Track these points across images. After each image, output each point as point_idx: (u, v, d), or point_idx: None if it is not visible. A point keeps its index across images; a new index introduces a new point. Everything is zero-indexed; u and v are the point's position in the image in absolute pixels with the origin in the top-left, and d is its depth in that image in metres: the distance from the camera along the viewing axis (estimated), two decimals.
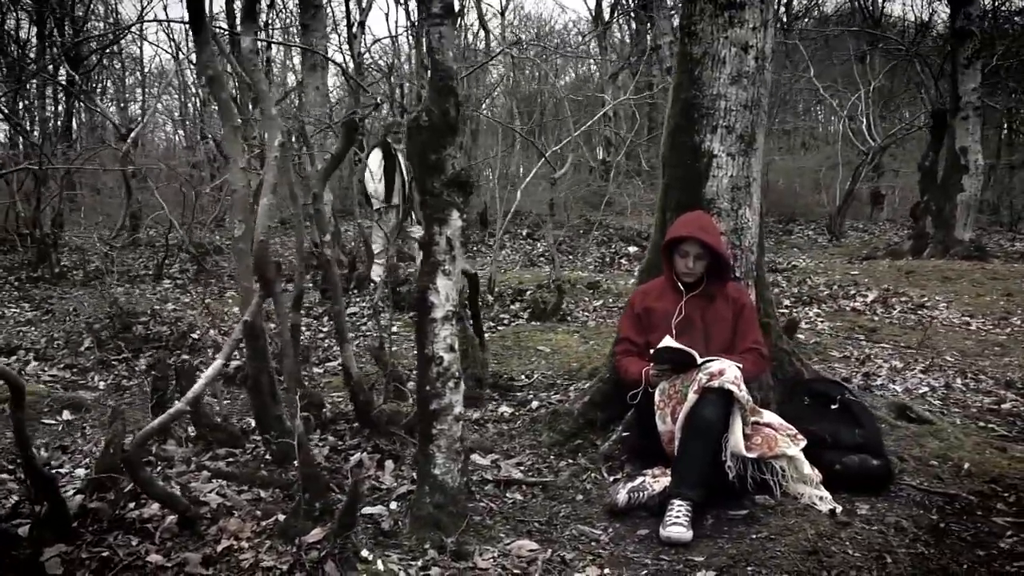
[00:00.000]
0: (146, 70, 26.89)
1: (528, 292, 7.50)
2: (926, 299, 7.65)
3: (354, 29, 22.22)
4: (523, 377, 4.85)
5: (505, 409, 4.21)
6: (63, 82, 11.50)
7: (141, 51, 24.56)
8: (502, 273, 9.53)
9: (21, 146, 9.94)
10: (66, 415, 4.29)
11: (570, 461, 3.51)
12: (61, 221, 9.14)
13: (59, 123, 19.68)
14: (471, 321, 4.47)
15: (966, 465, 3.35)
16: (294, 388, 2.84)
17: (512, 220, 14.71)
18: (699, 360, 3.18)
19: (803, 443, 3.20)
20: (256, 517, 2.82)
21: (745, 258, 3.76)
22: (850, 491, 3.18)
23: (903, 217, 14.64)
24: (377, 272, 8.47)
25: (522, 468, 3.47)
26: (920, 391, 4.66)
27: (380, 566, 2.48)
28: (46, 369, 5.04)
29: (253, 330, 3.30)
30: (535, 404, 4.23)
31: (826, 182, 15.15)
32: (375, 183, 8.34)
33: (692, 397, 3.08)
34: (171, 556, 2.56)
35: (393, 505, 2.98)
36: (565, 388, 4.58)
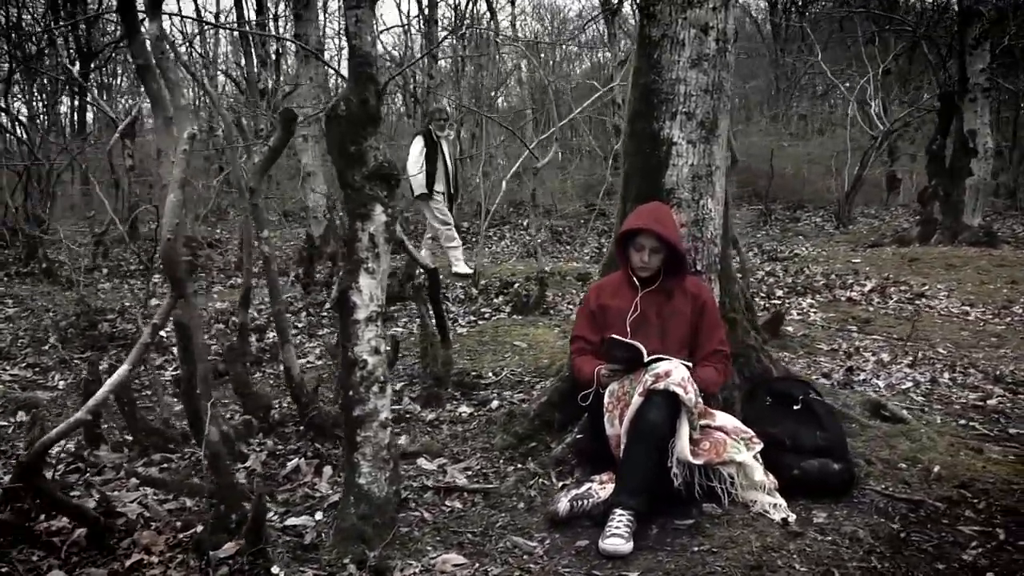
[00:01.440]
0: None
1: (516, 285, 7.33)
2: (927, 288, 7.41)
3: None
4: (491, 375, 4.70)
5: (465, 409, 4.06)
6: (60, 77, 11.42)
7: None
8: (496, 265, 9.39)
9: (16, 140, 9.88)
10: (20, 416, 4.18)
11: (519, 466, 3.35)
12: (46, 217, 9.06)
13: (74, 117, 19.69)
14: (433, 318, 4.32)
15: (936, 468, 3.16)
16: (207, 393, 2.69)
17: (515, 211, 14.60)
18: (646, 357, 3.01)
19: (758, 447, 3.02)
20: (175, 529, 2.70)
21: (707, 251, 3.57)
22: (809, 497, 3.01)
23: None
24: (456, 256, 8.45)
25: (469, 473, 3.32)
26: (903, 386, 4.46)
27: None
28: (7, 368, 4.94)
29: (184, 332, 3.18)
30: (495, 404, 4.08)
31: (838, 167, 14.82)
32: (415, 171, 8.28)
33: (637, 400, 2.91)
34: (75, 572, 2.44)
35: (319, 516, 2.84)
36: (532, 386, 4.42)
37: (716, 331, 3.33)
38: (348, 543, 2.61)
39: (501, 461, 3.42)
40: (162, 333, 5.45)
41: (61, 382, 4.76)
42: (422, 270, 4.20)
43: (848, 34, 16.21)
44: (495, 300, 6.76)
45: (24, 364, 5.00)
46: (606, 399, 3.10)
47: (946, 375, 4.64)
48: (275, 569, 2.42)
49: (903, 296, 7.01)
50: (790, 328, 5.84)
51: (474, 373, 4.71)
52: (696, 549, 2.63)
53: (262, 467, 3.24)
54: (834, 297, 7.01)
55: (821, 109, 19.46)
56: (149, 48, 2.92)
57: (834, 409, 3.40)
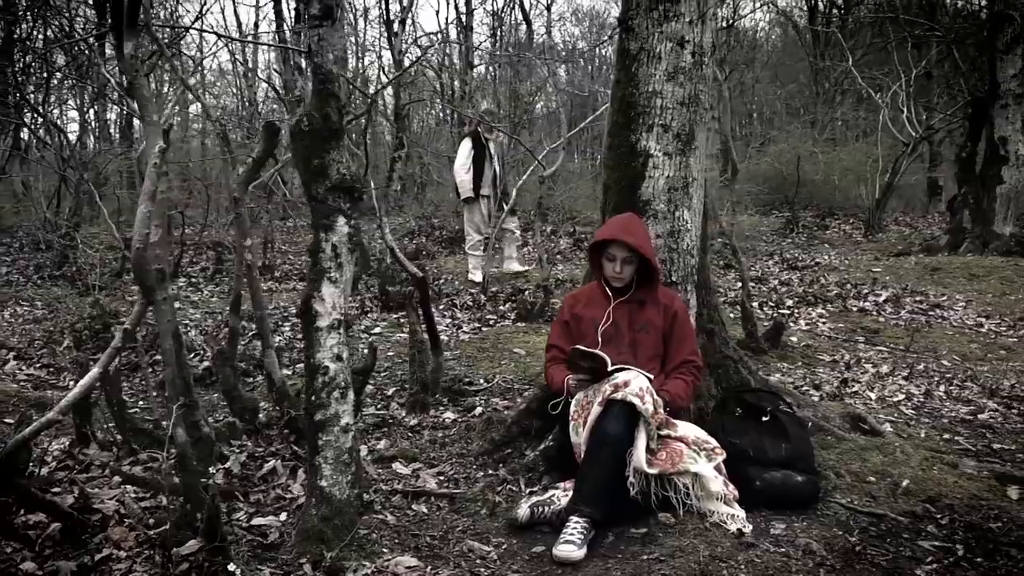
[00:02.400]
0: (205, 71, 27.59)
1: (526, 292, 7.39)
2: (945, 298, 7.31)
3: (395, 27, 22.46)
4: (483, 381, 4.76)
5: (450, 415, 4.13)
6: (96, 85, 11.73)
7: (200, 52, 25.05)
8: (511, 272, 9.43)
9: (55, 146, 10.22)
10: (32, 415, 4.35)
11: (490, 472, 3.42)
12: (78, 221, 9.36)
13: (122, 124, 20.19)
14: (424, 325, 4.40)
15: (905, 482, 3.15)
16: (175, 396, 2.80)
17: (542, 217, 14.64)
18: (610, 367, 3.06)
19: (720, 458, 3.05)
20: (147, 526, 2.81)
21: (683, 261, 3.60)
22: (771, 508, 3.04)
23: None
24: (475, 264, 8.51)
25: (442, 478, 3.39)
26: (895, 399, 4.43)
27: None
28: (23, 368, 5.14)
29: (175, 336, 3.30)
30: (479, 410, 4.14)
31: (870, 175, 14.59)
32: (463, 174, 8.36)
33: (596, 409, 2.96)
34: (44, 565, 2.56)
35: (284, 516, 2.93)
36: (520, 393, 4.48)
37: (687, 342, 3.36)
38: (308, 543, 2.70)
39: (475, 467, 3.48)
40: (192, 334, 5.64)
41: (71, 382, 4.94)
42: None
43: (881, 40, 15.96)
44: (501, 307, 6.83)
45: (39, 364, 5.19)
46: (572, 408, 3.15)
47: (942, 388, 4.60)
48: (232, 567, 2.51)
49: (917, 307, 6.92)
50: (794, 338, 5.81)
51: (467, 379, 4.79)
52: (645, 557, 2.67)
53: (241, 468, 3.34)
54: (845, 307, 6.95)
55: (856, 116, 19.15)
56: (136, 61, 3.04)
57: (803, 421, 3.40)
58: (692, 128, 3.58)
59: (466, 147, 8.42)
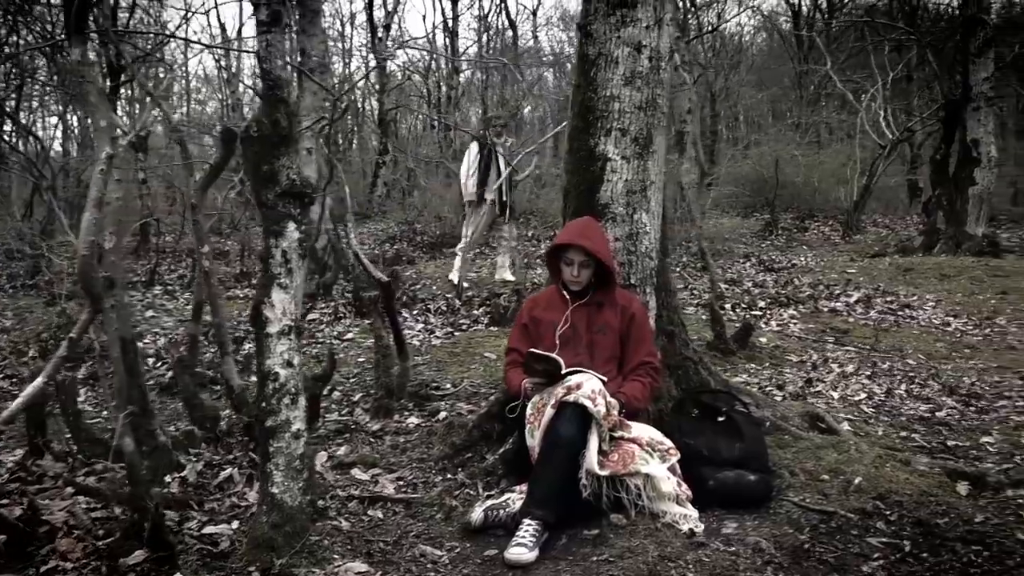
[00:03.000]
0: (190, 76, 27.53)
1: (502, 296, 7.40)
2: (915, 298, 7.38)
3: (379, 32, 22.45)
4: (450, 386, 4.77)
5: (414, 420, 4.13)
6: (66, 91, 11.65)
7: (185, 56, 25.01)
8: (492, 276, 9.45)
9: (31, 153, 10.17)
10: None
11: (449, 476, 3.42)
12: (52, 229, 9.32)
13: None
14: (389, 330, 4.41)
15: (857, 480, 3.17)
16: (122, 404, 2.80)
17: (528, 222, 14.67)
18: (564, 370, 3.07)
19: (675, 458, 3.07)
20: (96, 536, 2.80)
21: (642, 264, 3.62)
22: (725, 507, 3.06)
23: None
24: (505, 274, 8.54)
25: (401, 483, 3.39)
26: (857, 398, 4.47)
27: None
28: None
29: (124, 344, 3.30)
30: (443, 415, 4.14)
31: (848, 177, 14.68)
32: (467, 177, 8.32)
33: (549, 412, 2.98)
34: None
35: (236, 524, 2.93)
36: (486, 397, 4.47)
37: (644, 343, 3.38)
38: (258, 551, 2.69)
39: (434, 471, 3.49)
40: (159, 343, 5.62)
41: None
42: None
43: (859, 44, 16.10)
44: (476, 312, 6.84)
45: (2, 376, 5.17)
46: (528, 411, 3.17)
47: (903, 387, 4.64)
48: (177, 575, 2.51)
49: (887, 307, 6.97)
50: (764, 339, 5.85)
51: (435, 384, 4.79)
52: (595, 559, 2.68)
53: (197, 477, 3.33)
54: (817, 308, 7.00)
55: (838, 119, 19.28)
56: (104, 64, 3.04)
57: (758, 421, 3.43)
58: (650, 132, 3.60)
59: (472, 151, 8.40)
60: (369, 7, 22.57)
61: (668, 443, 3.12)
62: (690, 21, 25.34)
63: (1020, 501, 3.06)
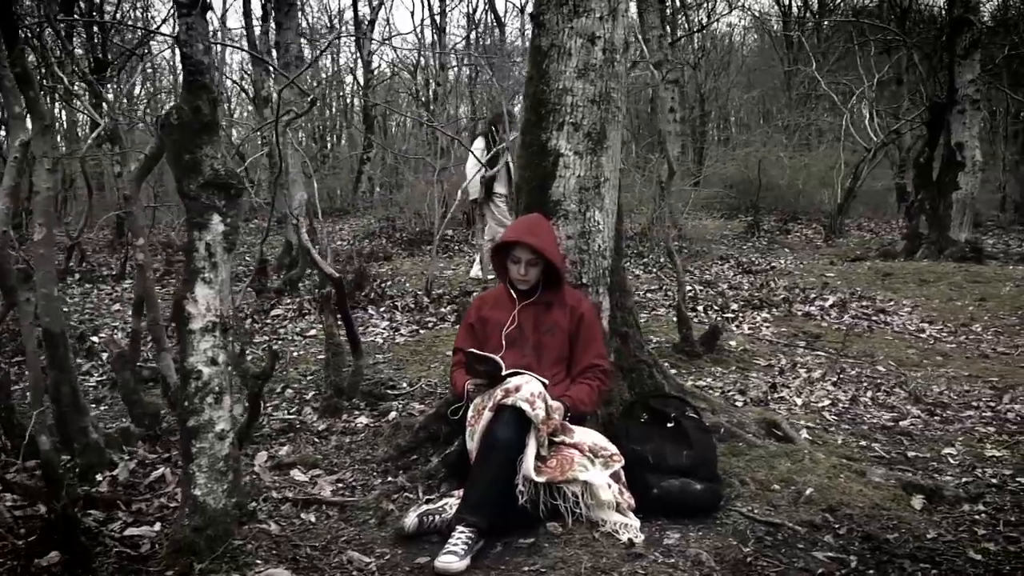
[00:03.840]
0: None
1: (473, 294, 7.29)
2: (892, 303, 7.29)
3: (363, 28, 22.30)
4: (406, 385, 4.66)
5: (363, 420, 4.02)
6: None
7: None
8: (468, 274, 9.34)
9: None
10: None
11: (390, 479, 3.31)
12: (20, 222, 9.16)
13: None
14: (341, 327, 4.29)
15: (808, 491, 3.07)
16: (38, 402, 2.68)
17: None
18: (504, 371, 2.97)
19: (618, 465, 2.96)
20: (19, 535, 2.69)
21: (594, 263, 3.51)
22: (670, 517, 2.95)
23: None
24: (475, 271, 8.39)
25: (340, 485, 3.28)
26: (820, 404, 4.38)
27: None
28: None
29: (53, 338, 3.18)
30: (393, 415, 4.03)
31: (840, 180, 14.62)
32: (473, 174, 8.08)
33: (487, 415, 2.87)
34: None
35: (158, 526, 2.81)
36: (441, 397, 4.37)
37: (593, 345, 3.27)
38: (178, 555, 2.58)
39: (376, 474, 3.38)
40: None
41: None
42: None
43: (845, 45, 16.04)
44: (443, 309, 6.73)
45: None
46: (469, 413, 3.06)
47: (868, 394, 4.54)
48: None
49: (862, 312, 6.88)
50: (733, 342, 5.75)
51: (391, 383, 4.68)
52: (527, 568, 2.57)
53: (129, 475, 3.22)
54: (791, 311, 6.90)
55: (826, 121, 19.22)
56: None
57: (708, 428, 3.32)
58: (604, 127, 3.49)
59: (479, 146, 8.14)
60: (354, 4, 22.48)
61: (612, 449, 3.01)
62: (679, 20, 25.38)
63: (976, 517, 2.97)
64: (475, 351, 3.08)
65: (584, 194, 3.48)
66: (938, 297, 7.53)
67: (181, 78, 2.63)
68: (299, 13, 11.79)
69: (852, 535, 2.80)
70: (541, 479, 2.77)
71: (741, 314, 6.80)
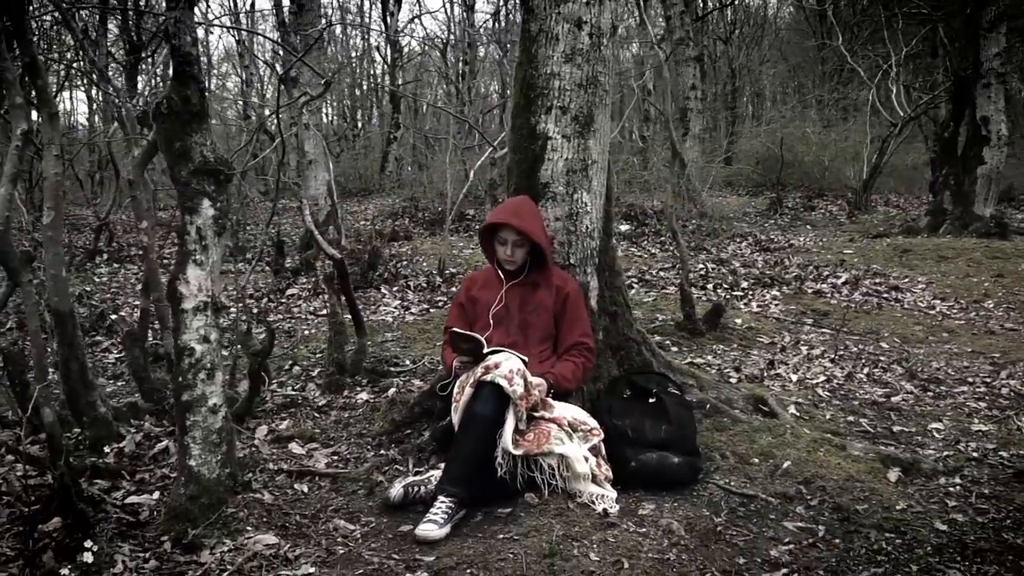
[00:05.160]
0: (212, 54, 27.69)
1: None
2: (906, 280, 7.27)
3: (390, 6, 22.39)
4: (409, 362, 4.79)
5: (364, 396, 4.16)
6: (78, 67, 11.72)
7: (207, 35, 25.22)
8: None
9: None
10: None
11: (383, 452, 3.45)
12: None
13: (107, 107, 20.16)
14: (346, 307, 4.43)
15: (786, 464, 3.15)
16: (42, 376, 2.84)
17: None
18: (485, 348, 3.08)
19: (597, 439, 3.07)
20: (27, 503, 2.86)
21: (582, 244, 3.59)
22: (647, 489, 3.05)
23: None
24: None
25: (336, 458, 3.42)
26: (815, 381, 4.43)
27: (89, 558, 2.48)
28: None
29: (61, 317, 3.35)
30: (392, 391, 4.16)
31: (868, 155, 14.45)
32: None
33: (468, 391, 2.98)
34: None
35: (157, 495, 2.97)
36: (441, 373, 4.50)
37: (579, 323, 3.37)
38: (174, 521, 2.74)
39: (370, 447, 3.52)
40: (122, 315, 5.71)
41: None
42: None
43: (869, 19, 15.77)
44: (455, 288, 6.84)
45: None
46: (455, 389, 3.17)
47: (865, 371, 4.58)
48: (88, 543, 2.55)
49: (873, 289, 6.88)
50: (739, 320, 5.79)
51: (395, 360, 4.82)
52: (503, 536, 2.69)
53: (135, 448, 3.39)
54: (801, 289, 6.92)
55: (856, 96, 18.95)
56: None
57: (688, 403, 3.40)
58: (591, 110, 3.56)
59: None
60: None
61: (592, 423, 3.12)
62: None
63: (951, 489, 3.03)
64: (458, 330, 3.19)
65: (572, 176, 3.55)
66: (955, 273, 7.49)
67: (171, 70, 2.74)
68: None
69: (823, 506, 2.88)
70: (518, 452, 2.88)
71: (751, 292, 6.83)
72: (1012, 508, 2.80)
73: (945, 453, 3.39)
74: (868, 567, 2.49)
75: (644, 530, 2.73)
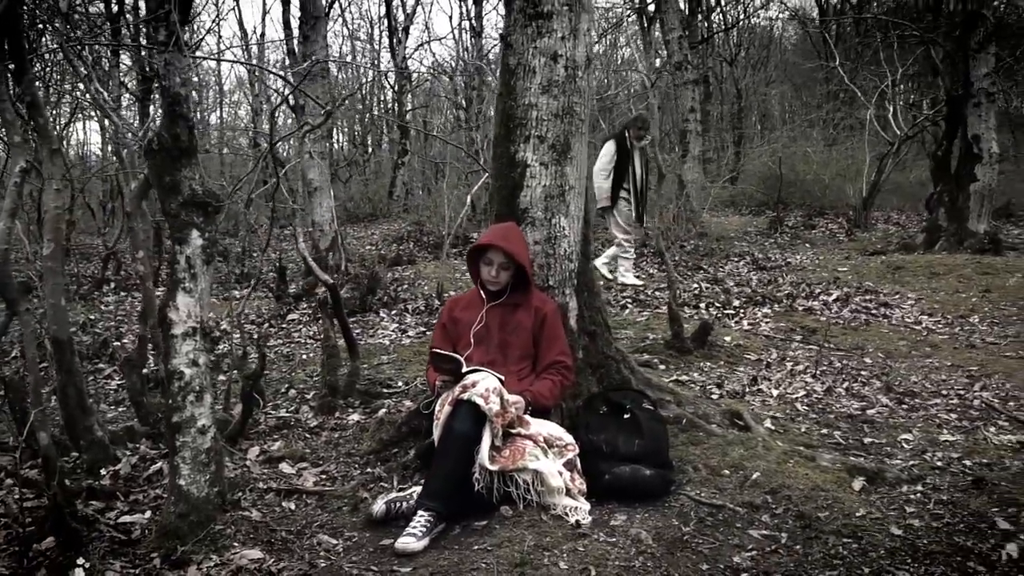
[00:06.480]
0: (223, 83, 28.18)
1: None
2: (897, 296, 7.37)
3: (398, 35, 22.75)
4: (401, 384, 4.93)
5: (355, 417, 4.30)
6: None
7: (219, 65, 25.74)
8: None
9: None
10: None
11: (369, 470, 3.58)
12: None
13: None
14: (338, 331, 4.58)
15: (755, 475, 3.26)
16: (37, 401, 2.99)
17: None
18: (464, 368, 3.22)
19: (571, 454, 3.19)
20: (24, 524, 3.00)
21: (560, 266, 3.74)
22: (621, 501, 3.16)
23: None
24: (626, 268, 8.53)
25: (324, 477, 3.56)
26: (795, 395, 4.53)
27: (81, 574, 2.62)
28: None
29: (60, 345, 3.51)
30: (382, 412, 4.30)
31: (868, 174, 14.58)
32: (601, 180, 8.17)
33: (447, 409, 3.12)
34: None
35: (149, 514, 3.11)
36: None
37: (556, 343, 3.50)
38: (164, 539, 2.87)
39: (357, 466, 3.65)
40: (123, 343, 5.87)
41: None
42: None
43: (862, 40, 15.96)
44: None
45: None
46: (437, 408, 3.31)
47: (844, 385, 4.69)
48: (80, 560, 2.70)
49: (863, 305, 6.98)
50: (728, 338, 5.91)
51: (388, 382, 4.95)
52: (477, 547, 2.81)
53: (131, 470, 3.53)
54: (792, 307, 7.03)
55: (855, 116, 19.11)
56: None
57: (661, 418, 3.52)
58: (568, 139, 3.72)
59: (609, 151, 8.19)
60: (387, 7, 22.89)
61: (568, 439, 3.24)
62: (714, 17, 25.36)
63: (911, 497, 3.13)
64: (438, 351, 3.33)
65: (550, 202, 3.71)
66: (944, 289, 7.58)
67: (161, 109, 2.92)
68: (325, 26, 12.06)
69: (787, 514, 2.99)
70: (494, 468, 3.01)
71: (742, 310, 6.95)
72: (967, 513, 2.90)
73: (911, 463, 3.50)
74: (824, 571, 2.60)
75: (614, 539, 2.84)
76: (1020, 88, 14.77)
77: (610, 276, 8.46)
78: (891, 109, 13.47)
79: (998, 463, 3.47)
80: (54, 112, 11.66)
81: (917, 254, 9.86)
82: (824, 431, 3.93)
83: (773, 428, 3.92)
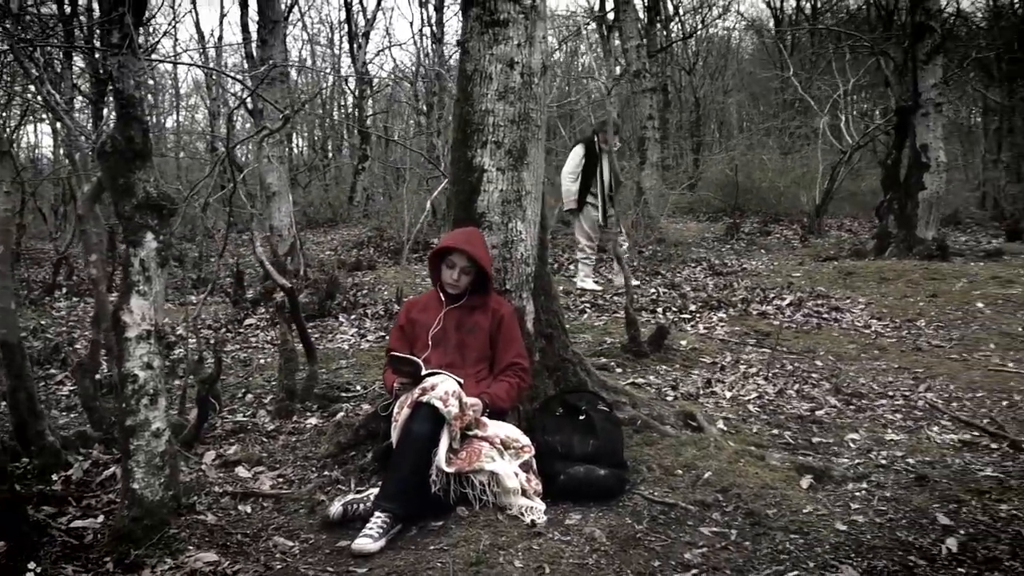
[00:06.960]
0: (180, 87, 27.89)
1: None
2: (848, 301, 7.54)
3: (358, 40, 22.69)
4: (360, 388, 4.93)
5: (313, 421, 4.29)
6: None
7: (175, 68, 25.49)
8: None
9: None
10: None
11: (326, 473, 3.58)
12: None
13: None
14: (296, 335, 4.57)
15: (707, 474, 3.33)
16: None
17: None
18: (423, 371, 3.25)
19: (528, 455, 3.23)
20: None
21: (517, 270, 3.79)
22: (576, 501, 3.21)
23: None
24: (586, 273, 8.58)
25: (281, 480, 3.55)
26: (747, 397, 4.63)
27: None
28: None
29: (9, 349, 3.47)
30: (339, 416, 4.30)
31: (821, 182, 14.90)
32: (569, 183, 8.20)
33: (406, 411, 3.15)
34: None
35: (102, 518, 3.08)
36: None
37: (512, 345, 3.55)
38: (118, 543, 2.85)
39: (314, 469, 3.65)
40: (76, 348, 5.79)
41: None
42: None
43: (815, 50, 16.33)
44: None
45: None
46: (395, 410, 3.33)
47: (795, 387, 4.80)
48: (31, 565, 2.67)
49: (815, 310, 7.13)
50: (684, 342, 6.00)
51: (347, 386, 4.95)
52: (433, 548, 2.84)
53: (83, 475, 3.49)
54: (747, 311, 7.16)
55: (808, 125, 19.53)
56: None
57: (616, 419, 3.58)
58: (524, 145, 3.77)
59: (577, 155, 8.22)
60: (347, 12, 22.83)
61: (524, 441, 3.28)
62: (672, 27, 25.70)
63: (856, 494, 3.22)
64: (397, 353, 3.36)
65: (507, 206, 3.75)
66: (893, 294, 7.78)
67: (114, 112, 2.91)
68: (284, 30, 12.02)
69: (737, 512, 3.06)
70: (451, 469, 3.04)
71: (698, 314, 7.06)
72: (909, 509, 3.00)
73: (857, 461, 3.60)
74: (771, 566, 2.67)
75: (568, 538, 2.89)
76: (967, 98, 15.16)
77: (599, 288, 8.54)
78: (844, 118, 13.79)
79: (940, 461, 3.59)
80: (4, 114, 11.42)
81: (868, 260, 10.10)
82: (775, 431, 4.03)
83: (725, 429, 4.01)
